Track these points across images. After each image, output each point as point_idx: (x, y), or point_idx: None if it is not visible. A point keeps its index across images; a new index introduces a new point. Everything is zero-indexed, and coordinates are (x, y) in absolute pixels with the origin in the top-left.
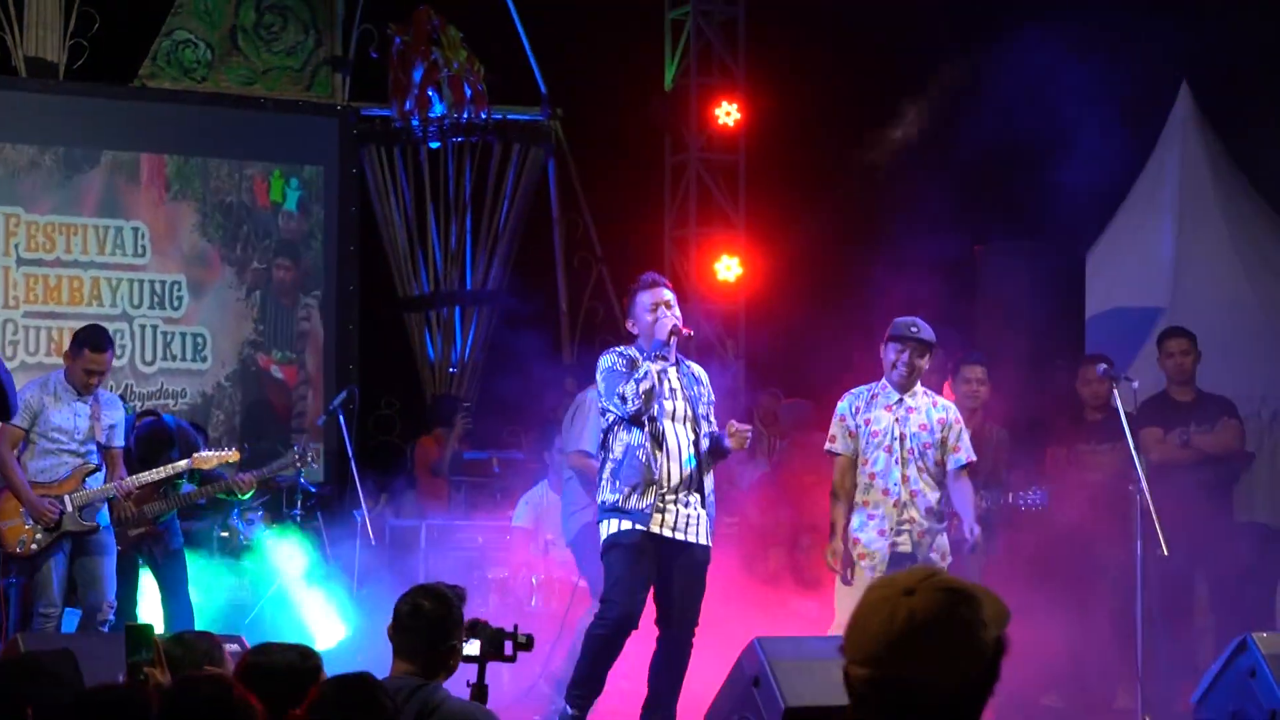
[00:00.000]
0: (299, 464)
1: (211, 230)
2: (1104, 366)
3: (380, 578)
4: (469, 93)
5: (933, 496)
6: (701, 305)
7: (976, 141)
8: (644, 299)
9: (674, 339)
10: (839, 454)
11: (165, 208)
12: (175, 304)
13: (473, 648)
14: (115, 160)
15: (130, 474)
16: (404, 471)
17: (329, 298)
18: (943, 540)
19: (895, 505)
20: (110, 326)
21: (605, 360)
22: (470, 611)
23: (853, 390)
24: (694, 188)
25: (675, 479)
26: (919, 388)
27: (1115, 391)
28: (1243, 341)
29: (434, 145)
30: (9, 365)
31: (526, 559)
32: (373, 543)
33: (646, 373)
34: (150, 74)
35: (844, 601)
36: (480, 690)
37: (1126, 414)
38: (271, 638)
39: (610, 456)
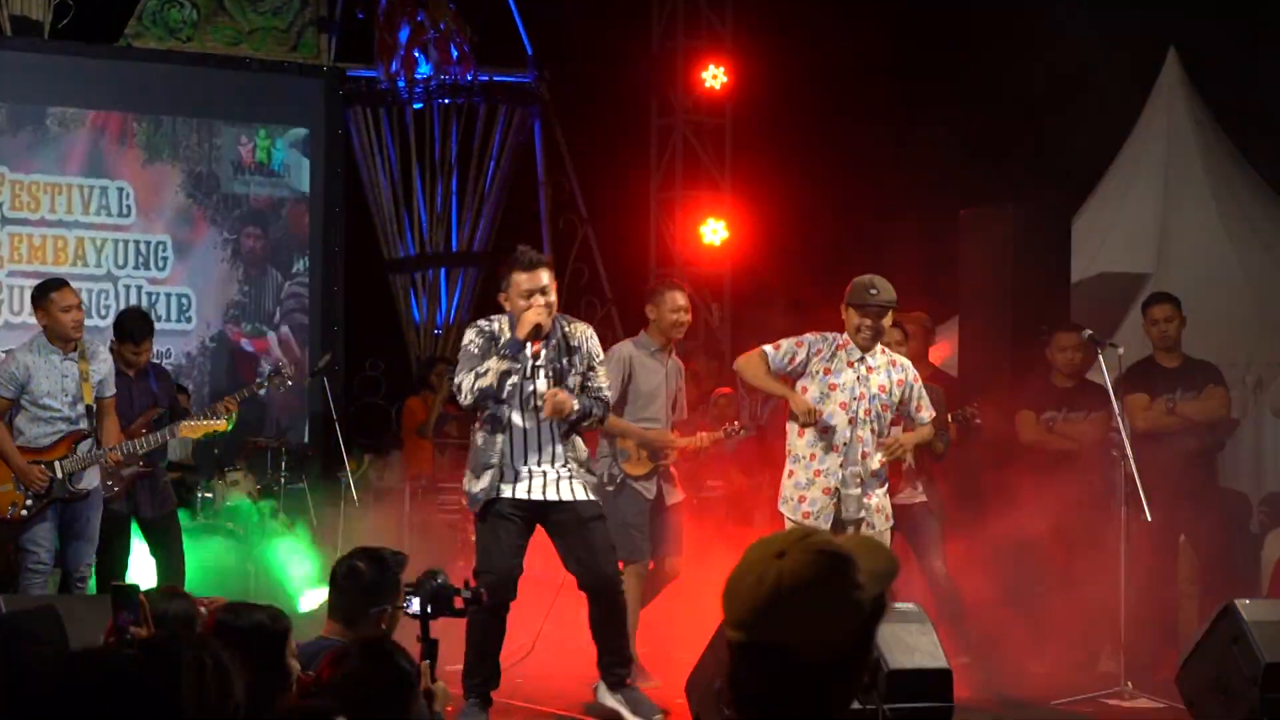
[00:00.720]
0: (275, 381)
1: (196, 191)
2: (1088, 332)
3: (364, 539)
4: (455, 54)
5: (879, 458)
6: (687, 268)
7: (963, 106)
8: (520, 280)
9: (530, 346)
10: (767, 354)
11: (149, 168)
12: (160, 264)
13: (414, 606)
14: (99, 120)
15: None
16: (389, 433)
17: (314, 259)
18: (886, 502)
19: (843, 465)
20: (95, 287)
21: (466, 335)
22: (454, 573)
23: (824, 334)
24: (680, 150)
25: (520, 460)
26: (878, 346)
27: (1100, 358)
28: (1228, 307)
29: (419, 106)
30: None
31: None
32: (357, 504)
33: (487, 369)
34: (136, 34)
35: None
36: (428, 645)
37: (1112, 381)
38: (253, 600)
39: (473, 440)
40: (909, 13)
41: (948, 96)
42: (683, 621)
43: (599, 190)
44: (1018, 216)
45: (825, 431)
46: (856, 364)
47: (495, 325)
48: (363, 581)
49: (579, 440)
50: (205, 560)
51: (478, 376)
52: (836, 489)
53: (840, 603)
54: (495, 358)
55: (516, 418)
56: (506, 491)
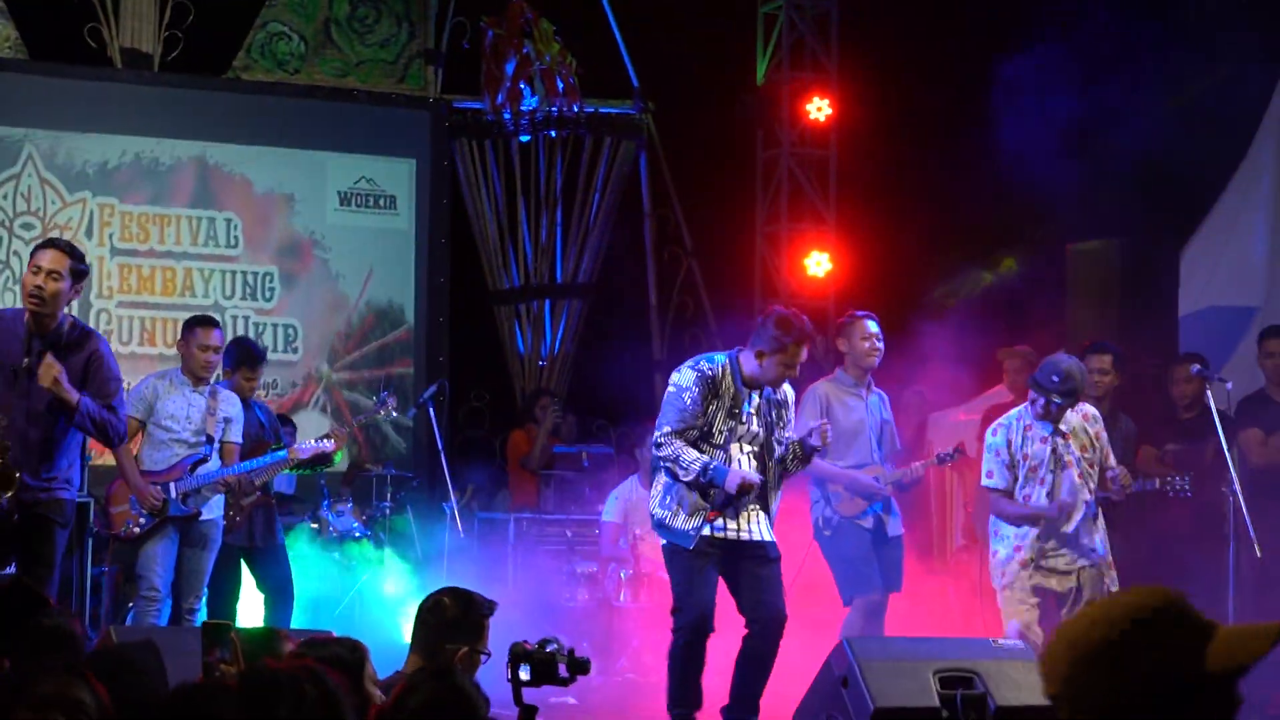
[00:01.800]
0: (383, 412)
1: (303, 222)
2: (1197, 367)
3: (469, 571)
4: (561, 86)
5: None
6: (791, 300)
7: (1069, 138)
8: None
9: (741, 498)
10: (993, 489)
11: (257, 199)
12: (267, 295)
13: (525, 673)
14: (208, 151)
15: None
16: (493, 465)
17: (420, 291)
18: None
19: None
20: None
21: (683, 376)
22: (558, 606)
23: (1001, 422)
24: (785, 183)
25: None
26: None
27: (1209, 392)
28: None
29: (525, 138)
30: None
31: (615, 554)
32: (461, 535)
33: (691, 464)
34: (244, 66)
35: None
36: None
37: (1221, 414)
38: (360, 631)
39: (667, 472)
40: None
41: (1053, 128)
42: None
43: (703, 222)
44: (1125, 250)
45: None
46: (1050, 437)
47: (719, 369)
48: (445, 617)
49: (779, 498)
50: (311, 591)
51: (679, 458)
52: (1031, 560)
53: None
54: (704, 468)
55: (736, 462)
56: (706, 531)
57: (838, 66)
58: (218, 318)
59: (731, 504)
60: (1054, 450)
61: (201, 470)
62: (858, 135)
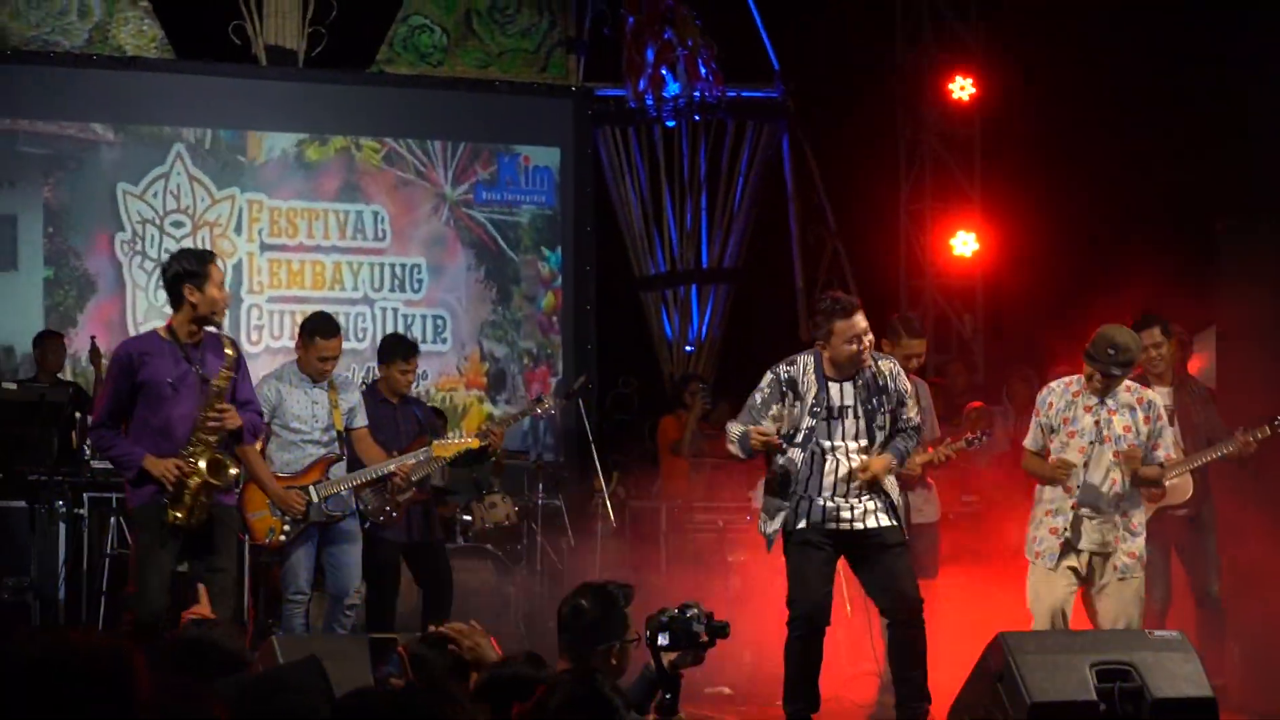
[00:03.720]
0: (540, 408)
1: (449, 213)
2: None
3: (622, 560)
4: (703, 71)
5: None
6: (938, 280)
7: (1220, 114)
8: (841, 329)
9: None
10: (1026, 447)
11: (403, 191)
12: (415, 286)
13: (664, 639)
14: (354, 145)
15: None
16: (641, 450)
17: (566, 279)
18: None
19: (1074, 506)
20: (352, 310)
21: (765, 376)
22: (712, 594)
23: (1052, 385)
24: (929, 163)
25: (829, 481)
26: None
27: None
28: None
29: (669, 124)
30: (255, 350)
31: None
32: (613, 525)
33: (739, 439)
34: (387, 59)
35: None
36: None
37: None
38: (514, 627)
39: (770, 468)
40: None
41: (1201, 101)
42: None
43: (848, 204)
44: (1276, 226)
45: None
46: (1095, 407)
47: (796, 367)
48: (586, 620)
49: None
50: (466, 583)
51: (729, 436)
52: (1064, 528)
53: None
54: (740, 438)
55: (827, 461)
56: (817, 519)
57: (980, 44)
58: (367, 310)
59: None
60: (1097, 423)
61: (336, 470)
62: (1001, 113)
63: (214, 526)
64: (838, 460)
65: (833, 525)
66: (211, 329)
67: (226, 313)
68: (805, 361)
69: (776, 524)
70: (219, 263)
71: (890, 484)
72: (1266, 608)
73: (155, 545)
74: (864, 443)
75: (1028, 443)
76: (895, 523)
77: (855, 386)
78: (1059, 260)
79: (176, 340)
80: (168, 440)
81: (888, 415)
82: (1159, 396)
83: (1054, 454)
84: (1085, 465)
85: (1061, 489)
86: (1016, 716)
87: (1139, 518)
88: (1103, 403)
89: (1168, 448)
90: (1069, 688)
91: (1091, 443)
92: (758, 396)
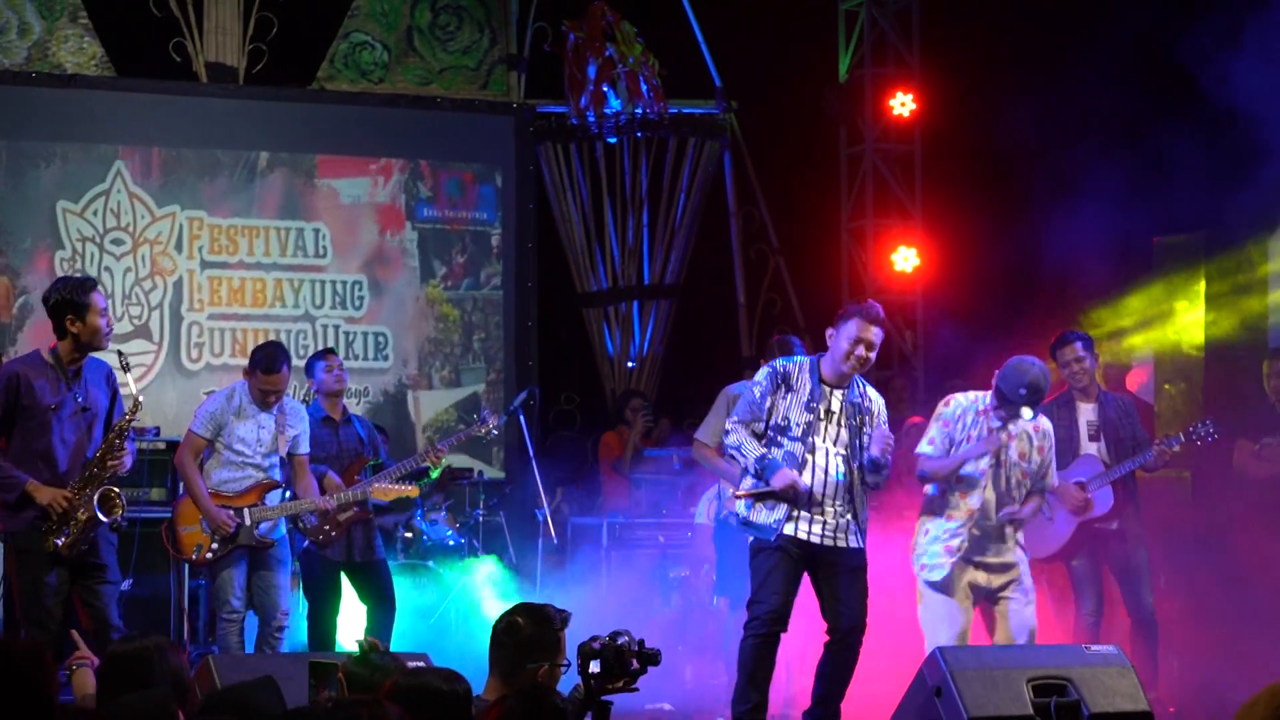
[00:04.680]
0: (483, 430)
1: (389, 230)
2: None
3: (563, 577)
4: (644, 88)
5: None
6: (879, 297)
7: (1153, 130)
8: (855, 327)
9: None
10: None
11: (344, 209)
12: (356, 304)
13: (595, 667)
14: (295, 162)
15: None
16: (584, 467)
17: (508, 295)
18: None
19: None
20: (293, 327)
21: (761, 371)
22: (653, 610)
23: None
24: (870, 179)
25: (817, 487)
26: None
27: None
28: None
29: (611, 141)
30: (195, 368)
31: (709, 557)
32: (554, 541)
33: (749, 452)
34: (328, 76)
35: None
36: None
37: None
38: (455, 641)
39: (746, 466)
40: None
41: (1138, 120)
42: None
43: (789, 220)
44: (1213, 242)
45: (955, 490)
46: (997, 431)
47: (795, 365)
48: (520, 637)
49: (863, 494)
50: (408, 600)
51: (741, 446)
52: (960, 546)
53: None
54: (760, 459)
55: (813, 459)
56: (790, 530)
57: (920, 61)
58: (308, 327)
59: (772, 499)
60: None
61: (272, 497)
62: (942, 130)
63: (95, 542)
64: (826, 463)
65: (816, 540)
66: (94, 355)
67: (110, 338)
68: (803, 362)
69: (780, 514)
70: (99, 291)
71: (860, 501)
72: (1202, 621)
73: (44, 568)
74: (846, 453)
75: (929, 450)
76: (862, 545)
77: (843, 398)
78: (999, 275)
79: (60, 365)
80: (49, 467)
81: (868, 436)
82: (1050, 424)
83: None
84: (983, 486)
85: (956, 508)
86: None
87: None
88: (1004, 427)
89: (1054, 477)
90: (1006, 702)
91: (992, 467)
92: (756, 391)
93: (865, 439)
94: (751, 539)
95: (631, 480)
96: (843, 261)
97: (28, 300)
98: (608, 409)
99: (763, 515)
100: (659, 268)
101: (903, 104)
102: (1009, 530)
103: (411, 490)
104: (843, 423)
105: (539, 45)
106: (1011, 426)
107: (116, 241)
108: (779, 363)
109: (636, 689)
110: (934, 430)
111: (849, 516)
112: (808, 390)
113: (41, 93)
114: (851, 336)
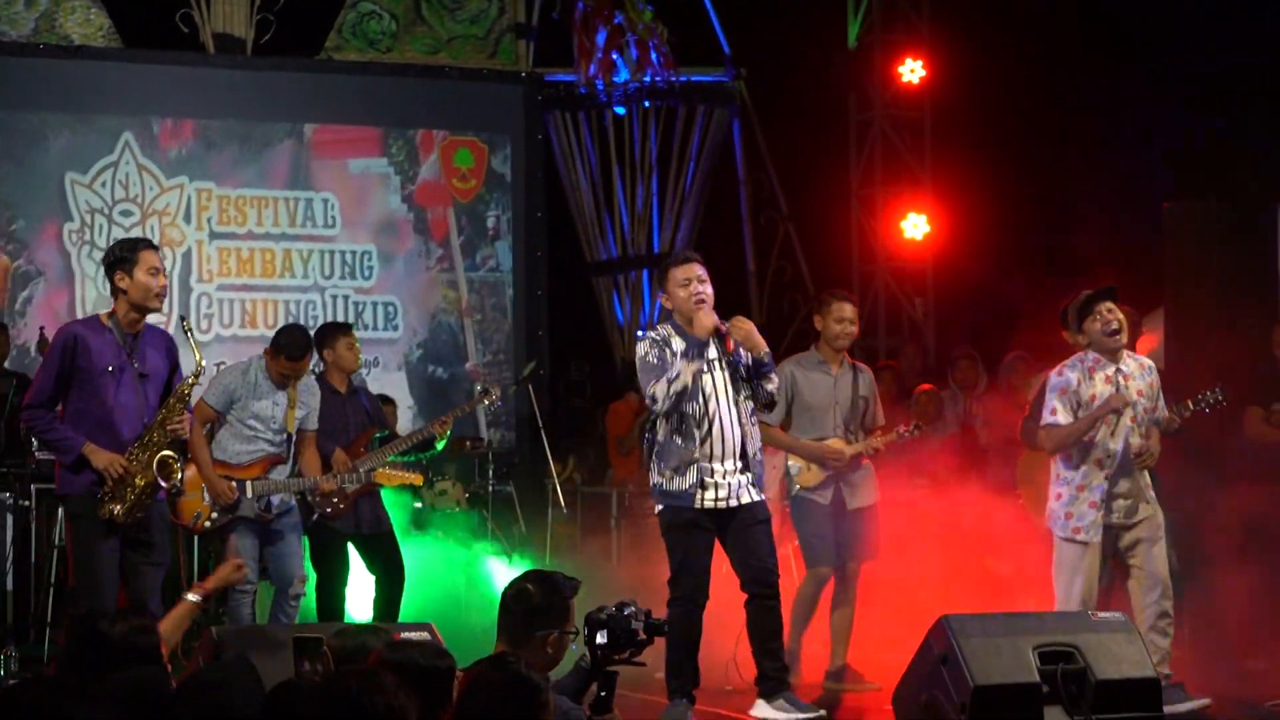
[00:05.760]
0: (485, 400)
1: (398, 200)
2: None
3: (572, 546)
4: (654, 56)
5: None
6: (889, 263)
7: (1164, 96)
8: (675, 274)
9: (713, 339)
10: (1055, 424)
11: (353, 179)
12: (366, 273)
13: (602, 638)
14: (303, 133)
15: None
16: (595, 435)
17: (517, 264)
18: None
19: (1109, 477)
20: (303, 298)
21: (639, 349)
22: (662, 580)
23: (1070, 361)
24: (879, 146)
25: (715, 451)
26: (1125, 352)
27: None
28: None
29: (619, 110)
30: (205, 339)
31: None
32: (564, 510)
33: (679, 374)
34: (336, 46)
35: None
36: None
37: None
38: (465, 612)
39: (655, 440)
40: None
41: (1148, 86)
42: (895, 624)
43: (799, 188)
44: (1223, 208)
45: (1090, 447)
46: (1113, 376)
47: (664, 333)
48: (530, 604)
49: (759, 440)
50: (417, 572)
51: (670, 382)
52: (1103, 501)
53: None
54: (683, 361)
55: (708, 416)
56: (697, 500)
57: (929, 27)
58: (317, 298)
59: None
60: (1117, 390)
61: (279, 472)
62: (951, 96)
63: (151, 517)
64: (721, 424)
65: (721, 505)
66: (151, 321)
67: (163, 301)
68: (666, 328)
69: (693, 478)
70: (156, 251)
71: (756, 458)
72: (1215, 587)
73: (99, 535)
74: (730, 401)
75: (1058, 419)
76: (762, 498)
77: (719, 347)
78: (1009, 242)
79: (119, 328)
80: (106, 432)
81: (752, 362)
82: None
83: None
84: (1112, 434)
85: (1091, 463)
86: (960, 699)
87: (1148, 479)
88: (1118, 370)
89: (1163, 408)
90: (1012, 670)
91: (1115, 410)
92: (652, 358)
93: (745, 372)
94: (661, 508)
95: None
96: (852, 228)
97: (30, 271)
98: (617, 378)
99: (675, 482)
100: (669, 236)
101: (912, 70)
102: (1141, 476)
103: (416, 478)
104: (724, 365)
105: (547, 13)
106: (1123, 365)
107: (125, 213)
108: (651, 334)
109: (643, 663)
110: (1054, 400)
111: (748, 472)
112: (683, 348)
113: (49, 64)
114: (676, 281)
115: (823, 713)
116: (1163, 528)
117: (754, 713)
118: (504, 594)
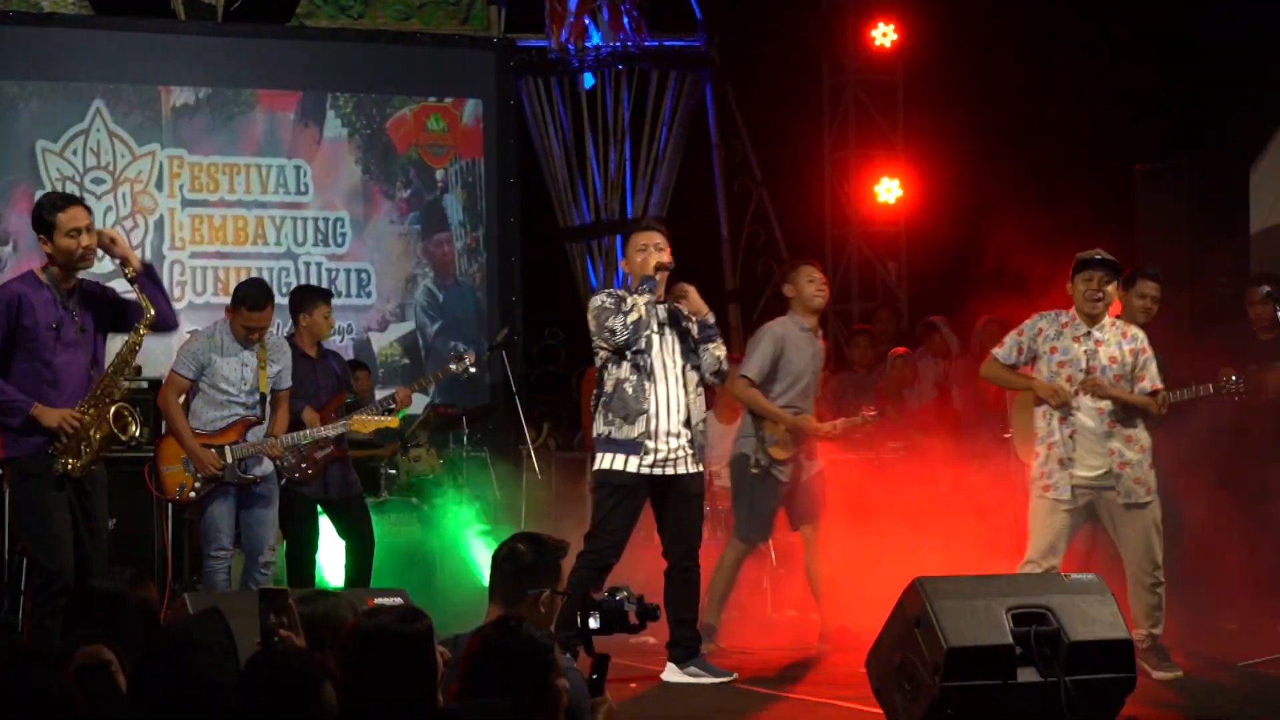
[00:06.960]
0: (457, 368)
1: (371, 167)
2: (1267, 289)
3: (546, 511)
4: (626, 21)
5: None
6: (862, 227)
7: (1135, 56)
8: (635, 240)
9: (660, 273)
10: (997, 355)
11: (325, 146)
12: (339, 240)
13: (595, 622)
14: (274, 100)
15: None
16: (569, 401)
17: (490, 231)
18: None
19: (1073, 435)
20: (275, 265)
21: (595, 300)
22: (636, 544)
23: (1045, 313)
24: (852, 110)
25: (662, 406)
26: (1106, 319)
27: (1279, 313)
28: None
29: (590, 79)
30: (178, 307)
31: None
32: (538, 476)
33: (633, 305)
34: (307, 13)
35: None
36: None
37: None
38: (441, 577)
39: (603, 391)
40: None
41: (1120, 47)
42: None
43: (772, 152)
44: (1194, 169)
45: (1061, 407)
46: (1083, 338)
47: (620, 290)
48: (522, 563)
49: (702, 411)
50: (391, 538)
51: (624, 314)
52: (1068, 458)
53: None
54: (637, 295)
55: (654, 376)
56: (638, 458)
57: None
58: (290, 265)
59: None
60: (1085, 353)
61: (255, 433)
62: (923, 59)
63: (87, 476)
64: (668, 385)
65: (658, 472)
66: (82, 276)
67: (92, 259)
68: (622, 290)
69: (642, 427)
70: (77, 206)
71: (699, 428)
72: (1199, 551)
73: (52, 491)
74: (677, 364)
75: (1000, 354)
76: (700, 469)
77: (666, 308)
78: (981, 205)
79: (55, 284)
80: (56, 390)
81: (703, 332)
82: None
83: (1043, 379)
84: (1078, 394)
85: (1056, 420)
86: (933, 660)
87: (1143, 440)
88: (1089, 334)
89: (1153, 379)
90: (985, 632)
91: (1081, 371)
92: (609, 301)
93: (694, 343)
94: (602, 467)
95: None
96: (826, 193)
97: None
98: (591, 344)
99: (625, 430)
100: (642, 201)
101: (884, 34)
102: (1117, 440)
103: (392, 421)
104: (675, 331)
105: None
106: (1098, 332)
107: (97, 181)
108: (607, 290)
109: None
110: (1011, 336)
111: (685, 441)
112: (644, 309)
113: (18, 31)
114: (635, 246)
115: (734, 675)
116: (1154, 508)
117: (665, 676)
118: (495, 554)
